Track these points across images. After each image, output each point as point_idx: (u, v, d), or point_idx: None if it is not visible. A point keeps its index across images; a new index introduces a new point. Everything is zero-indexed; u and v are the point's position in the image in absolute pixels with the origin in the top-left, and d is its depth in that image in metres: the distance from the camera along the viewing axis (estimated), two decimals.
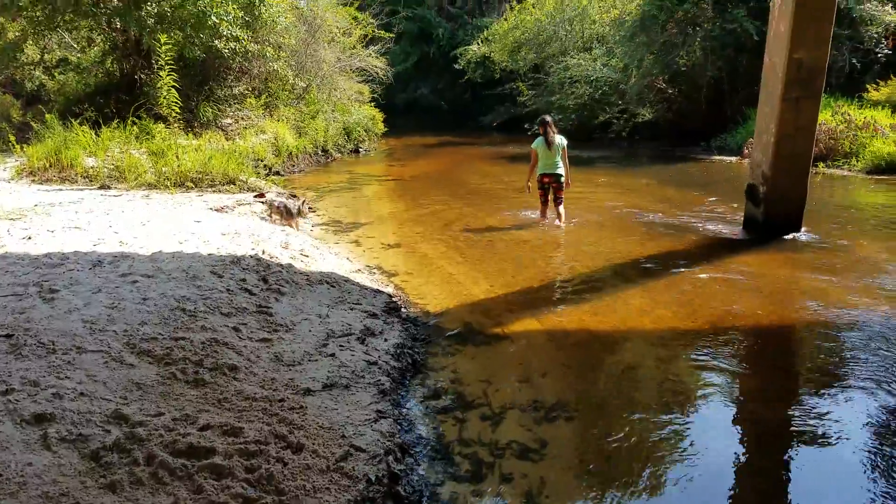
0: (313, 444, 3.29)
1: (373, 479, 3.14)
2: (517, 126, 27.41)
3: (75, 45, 17.68)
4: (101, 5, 14.60)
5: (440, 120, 35.66)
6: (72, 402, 3.20)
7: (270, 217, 9.24)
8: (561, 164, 9.40)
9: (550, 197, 9.54)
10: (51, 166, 10.95)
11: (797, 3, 7.73)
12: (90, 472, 2.76)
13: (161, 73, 12.03)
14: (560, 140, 9.43)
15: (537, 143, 9.43)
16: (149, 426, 3.13)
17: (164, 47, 11.95)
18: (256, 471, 2.97)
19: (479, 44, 30.57)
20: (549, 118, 9.64)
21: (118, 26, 14.95)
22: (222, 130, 15.45)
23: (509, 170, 16.14)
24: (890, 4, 18.98)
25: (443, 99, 38.12)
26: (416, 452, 3.64)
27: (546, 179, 9.45)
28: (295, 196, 11.38)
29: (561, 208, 9.49)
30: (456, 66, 31.91)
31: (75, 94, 15.97)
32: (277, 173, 14.58)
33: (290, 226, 9.32)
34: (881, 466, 3.49)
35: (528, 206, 10.44)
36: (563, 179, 9.40)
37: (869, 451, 3.63)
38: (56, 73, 17.58)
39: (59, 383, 3.34)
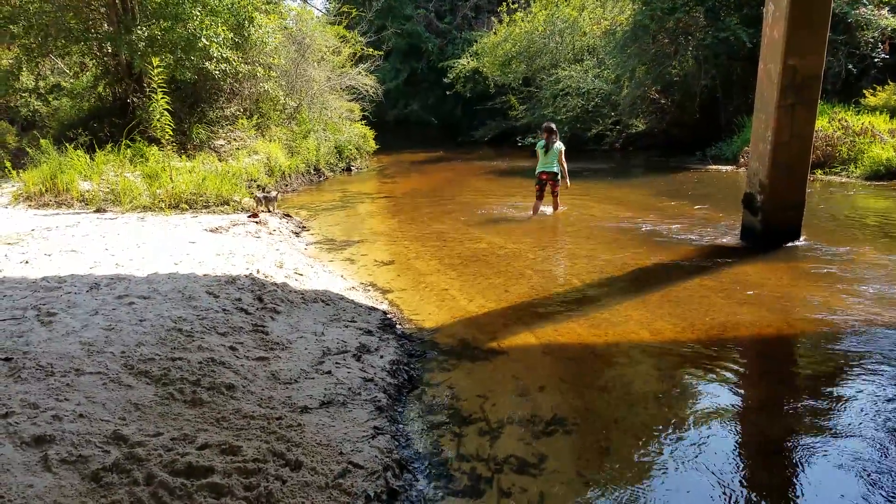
0: (311, 461, 3.31)
1: (371, 495, 3.16)
2: (509, 140, 27.44)
3: (68, 71, 17.76)
4: (93, 31, 14.70)
5: (431, 136, 35.57)
6: (71, 423, 3.22)
7: (257, 207, 11.17)
8: (556, 164, 10.98)
9: (547, 189, 11.18)
10: (47, 191, 11.04)
11: (791, 9, 7.64)
12: (91, 493, 2.78)
13: (153, 96, 12.09)
14: (558, 145, 11.07)
15: (539, 146, 11.16)
16: (148, 446, 3.15)
17: (155, 70, 12.01)
18: (255, 489, 3.00)
19: (468, 58, 30.46)
20: (553, 126, 11.27)
21: (109, 51, 15.06)
22: (215, 152, 15.49)
23: (501, 184, 16.18)
24: (886, 9, 18.73)
25: (433, 114, 38.11)
26: (415, 468, 3.64)
27: (544, 176, 11.11)
28: (289, 216, 11.43)
29: (558, 200, 11.33)
30: (445, 81, 31.76)
31: (69, 118, 16.03)
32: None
33: (268, 210, 11.32)
34: (887, 481, 3.47)
35: (521, 209, 11.46)
36: (558, 177, 11.06)
37: (876, 465, 3.60)
38: (50, 99, 17.65)
39: (59, 405, 3.36)
